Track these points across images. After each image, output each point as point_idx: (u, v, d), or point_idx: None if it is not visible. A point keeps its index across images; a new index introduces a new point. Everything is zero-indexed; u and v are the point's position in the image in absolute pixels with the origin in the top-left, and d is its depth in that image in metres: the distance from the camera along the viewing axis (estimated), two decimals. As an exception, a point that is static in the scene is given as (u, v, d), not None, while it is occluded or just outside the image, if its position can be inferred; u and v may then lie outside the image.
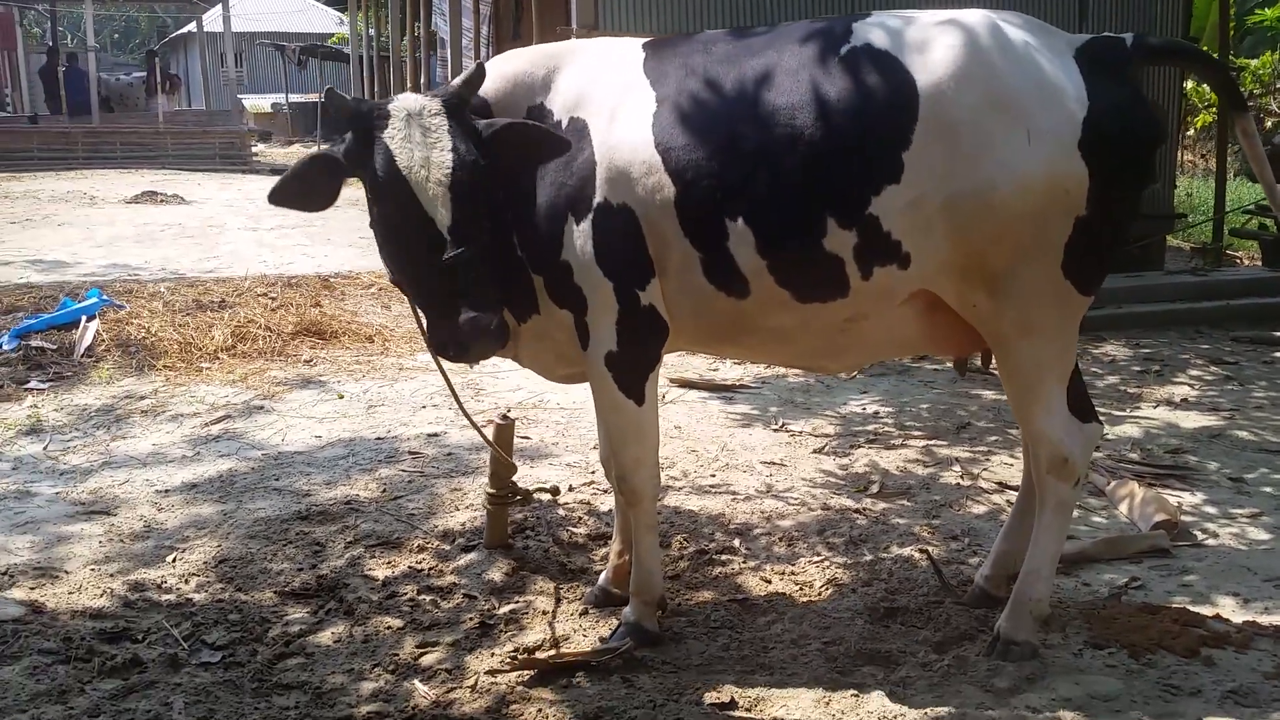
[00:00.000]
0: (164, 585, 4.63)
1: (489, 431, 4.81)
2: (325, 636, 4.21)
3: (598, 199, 3.72)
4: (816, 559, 4.83)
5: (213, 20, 33.22)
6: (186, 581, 4.67)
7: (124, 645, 4.14)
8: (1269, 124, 16.99)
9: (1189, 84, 12.39)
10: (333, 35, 42.59)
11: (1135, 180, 3.72)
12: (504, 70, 4.00)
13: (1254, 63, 18.59)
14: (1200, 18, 15.00)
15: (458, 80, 3.68)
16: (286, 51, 37.61)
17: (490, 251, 3.65)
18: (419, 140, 3.51)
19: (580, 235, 3.74)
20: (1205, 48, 16.65)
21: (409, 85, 19.51)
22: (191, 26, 37.49)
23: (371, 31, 24.62)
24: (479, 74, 3.69)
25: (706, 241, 3.70)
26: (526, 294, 3.92)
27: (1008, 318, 3.70)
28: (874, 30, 3.70)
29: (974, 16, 3.70)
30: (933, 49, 3.60)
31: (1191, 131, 18.43)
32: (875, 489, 5.66)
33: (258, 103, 40.60)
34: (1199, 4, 13.92)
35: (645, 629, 4.09)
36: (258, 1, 44.52)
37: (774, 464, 6.06)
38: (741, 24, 9.71)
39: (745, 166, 3.64)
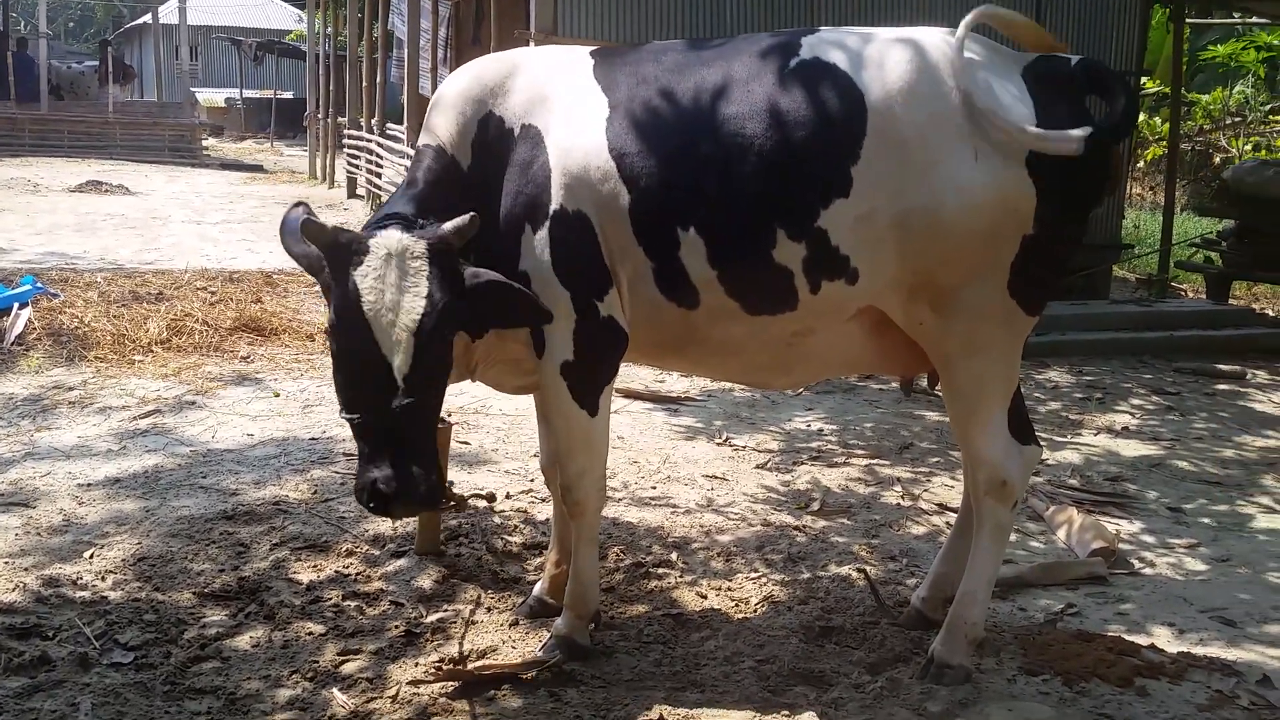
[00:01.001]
0: (79, 582, 4.47)
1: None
2: (243, 640, 4.07)
3: (554, 206, 3.65)
4: (754, 575, 4.75)
5: (169, 12, 32.79)
6: (103, 579, 4.52)
7: (33, 642, 3.98)
8: (1217, 160, 17.23)
9: (1141, 116, 12.49)
10: (290, 32, 42.22)
11: (1083, 200, 3.69)
12: (447, 97, 3.89)
13: (1205, 98, 18.86)
14: (1154, 51, 15.18)
15: (449, 226, 3.42)
16: (243, 46, 37.25)
17: (439, 405, 3.56)
18: (393, 282, 3.33)
19: (538, 243, 3.66)
20: (1158, 81, 16.93)
21: (364, 85, 19.33)
22: (147, 18, 36.96)
23: (329, 30, 24.38)
24: (471, 224, 3.44)
25: (659, 250, 3.65)
26: None
27: (953, 336, 3.66)
28: (825, 45, 3.67)
29: (923, 34, 3.69)
30: (882, 65, 3.57)
31: (1141, 164, 18.66)
32: (816, 506, 5.60)
33: (211, 97, 40.12)
34: (1153, 38, 14.08)
35: (576, 643, 3.99)
36: (216, -5, 44.07)
37: (716, 478, 5.98)
38: (698, 35, 9.69)
39: (697, 175, 3.59)
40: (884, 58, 3.59)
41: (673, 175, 3.60)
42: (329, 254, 3.42)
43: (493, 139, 3.79)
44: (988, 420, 3.75)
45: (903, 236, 3.54)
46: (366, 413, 3.39)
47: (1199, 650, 4.22)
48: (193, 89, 32.85)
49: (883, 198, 3.52)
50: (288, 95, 38.88)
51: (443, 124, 3.84)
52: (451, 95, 3.89)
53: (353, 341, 3.36)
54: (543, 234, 3.65)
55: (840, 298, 3.66)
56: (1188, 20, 12.85)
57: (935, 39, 3.66)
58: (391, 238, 3.39)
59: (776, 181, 3.55)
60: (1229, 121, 18.80)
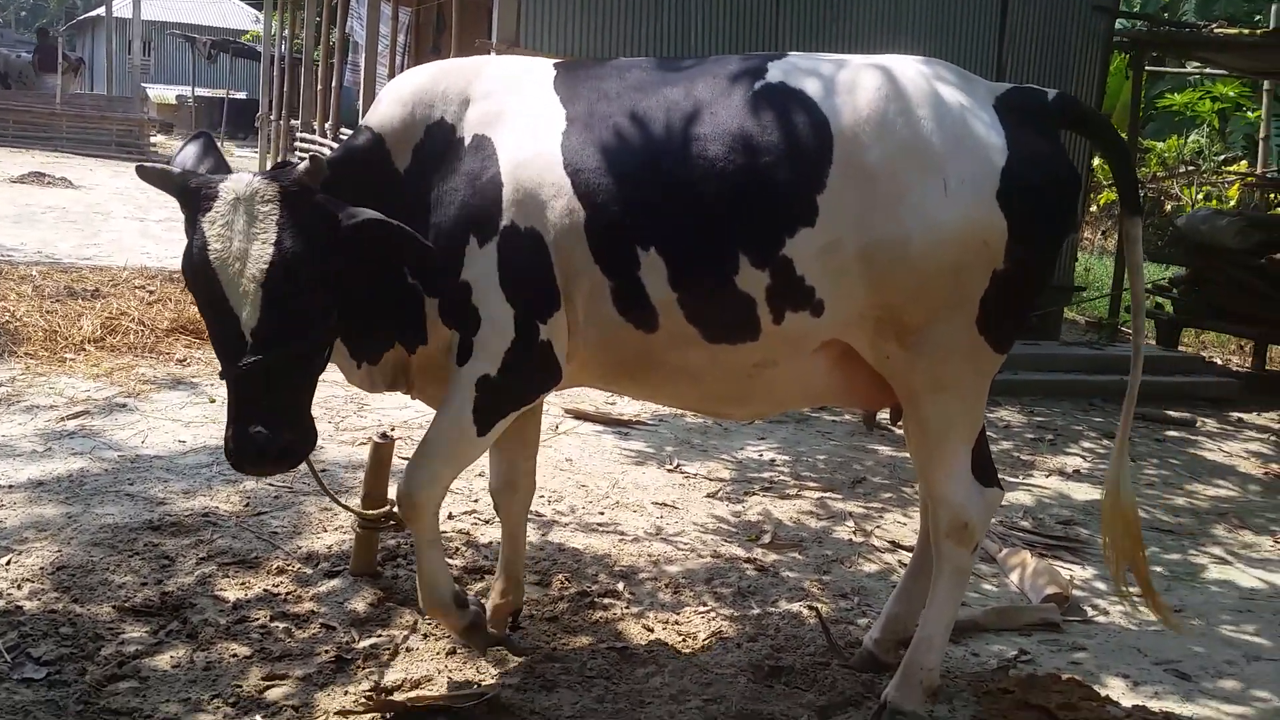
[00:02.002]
0: (-8, 590, 4.23)
1: (367, 450, 4.51)
2: (163, 660, 3.84)
3: (504, 222, 3.49)
4: (702, 609, 4.60)
5: (123, 6, 32.30)
6: (18, 587, 4.27)
7: (-61, 653, 3.75)
8: (1169, 207, 17.44)
9: (1096, 160, 12.59)
10: (246, 33, 41.73)
11: (1055, 233, 3.61)
12: (400, 91, 3.73)
13: (1160, 145, 19.10)
14: (1111, 97, 15.34)
15: (302, 167, 3.26)
16: (197, 44, 36.69)
17: (310, 359, 3.32)
18: (240, 229, 3.11)
19: (484, 257, 3.50)
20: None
21: (319, 88, 19.02)
22: (100, 10, 36.40)
23: (286, 32, 24.03)
24: (317, 165, 3.24)
25: (616, 268, 3.50)
26: (414, 324, 3.66)
27: (920, 372, 3.55)
28: (792, 70, 3.56)
29: (893, 61, 3.60)
30: (850, 92, 3.47)
31: (1094, 208, 18.83)
32: (767, 539, 5.46)
33: (163, 93, 39.48)
34: (1110, 84, 14.21)
35: (471, 620, 3.98)
36: (171, -10, 43.56)
37: (665, 505, 5.83)
38: (664, 51, 9.60)
39: (658, 194, 3.45)
40: (854, 85, 3.48)
41: (632, 193, 3.46)
42: (180, 200, 3.22)
43: (440, 147, 3.62)
44: (952, 460, 3.64)
45: (869, 269, 3.42)
46: (225, 368, 3.21)
47: (1154, 705, 4.13)
48: (144, 84, 32.34)
49: (849, 228, 3.40)
50: (240, 95, 38.32)
51: (388, 117, 3.67)
52: (405, 92, 3.72)
53: (204, 294, 3.17)
54: (490, 248, 3.50)
55: (804, 329, 3.53)
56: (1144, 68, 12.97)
57: (907, 67, 3.57)
58: (241, 180, 3.18)
59: (740, 206, 3.42)
60: (1182, 170, 19.06)
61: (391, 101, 3.71)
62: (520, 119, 3.60)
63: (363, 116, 13.47)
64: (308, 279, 3.18)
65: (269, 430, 3.19)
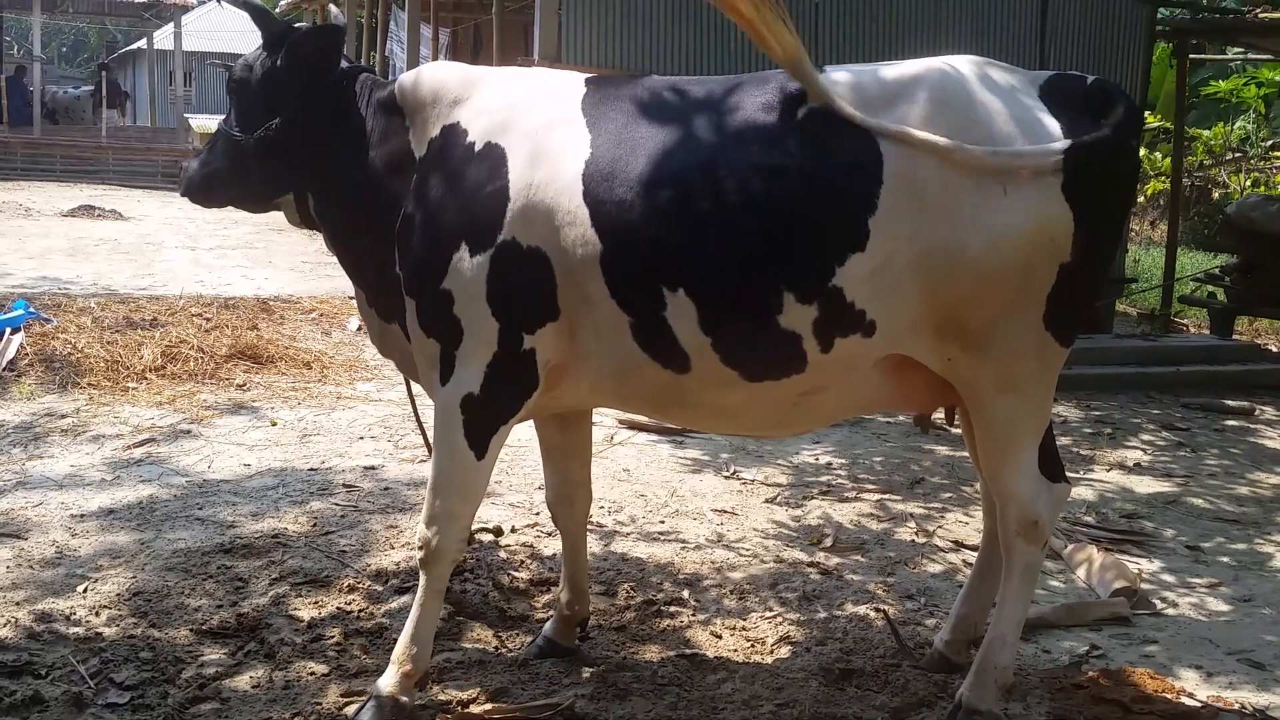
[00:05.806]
0: (72, 617, 4.31)
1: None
2: (243, 680, 3.91)
3: (503, 236, 3.41)
4: (769, 614, 4.61)
5: (164, 38, 32.76)
6: (97, 614, 4.35)
7: (25, 680, 3.82)
8: (1216, 195, 17.24)
9: (1142, 150, 12.48)
10: (286, 60, 42.20)
11: (1119, 215, 3.58)
12: (422, 79, 3.76)
13: (1207, 134, 18.88)
14: (1155, 87, 15.20)
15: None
16: (237, 73, 37.15)
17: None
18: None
19: (473, 267, 3.42)
20: (1160, 116, 16.95)
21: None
22: (142, 43, 36.99)
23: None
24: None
25: (637, 307, 3.39)
26: (399, 312, 3.68)
27: (986, 374, 3.48)
28: (836, 87, 3.42)
29: (937, 64, 3.49)
30: (897, 103, 3.37)
31: (1141, 199, 18.64)
32: (828, 543, 5.46)
33: (205, 123, 39.97)
34: (1154, 74, 14.08)
35: (400, 703, 3.59)
36: (211, 20, 44.06)
37: (725, 512, 5.85)
38: (705, 61, 9.63)
39: (690, 234, 3.33)
40: (900, 95, 3.39)
41: (660, 233, 3.34)
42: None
43: (449, 147, 3.58)
44: (1020, 458, 3.59)
45: (922, 278, 3.33)
46: None
47: (1229, 695, 4.10)
48: (186, 115, 32.78)
49: (900, 242, 3.31)
50: (282, 122, 38.75)
51: (405, 96, 3.74)
52: (426, 81, 3.75)
53: None
54: (481, 260, 3.42)
55: (856, 352, 3.43)
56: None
57: (951, 68, 3.48)
58: None
59: (782, 241, 3.31)
60: (1230, 157, 18.82)
61: (415, 85, 3.75)
62: (541, 135, 3.50)
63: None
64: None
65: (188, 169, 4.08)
